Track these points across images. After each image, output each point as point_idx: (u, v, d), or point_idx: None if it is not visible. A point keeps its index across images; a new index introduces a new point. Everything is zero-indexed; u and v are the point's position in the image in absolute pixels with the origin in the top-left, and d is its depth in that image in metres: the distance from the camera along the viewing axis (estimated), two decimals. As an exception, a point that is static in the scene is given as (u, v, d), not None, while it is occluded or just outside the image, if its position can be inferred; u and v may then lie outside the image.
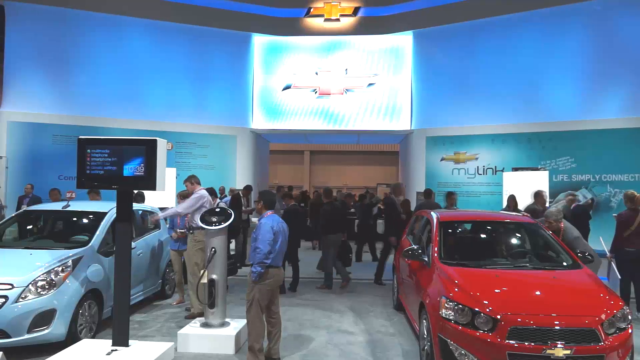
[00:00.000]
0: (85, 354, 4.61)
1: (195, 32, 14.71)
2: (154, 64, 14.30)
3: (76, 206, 6.48)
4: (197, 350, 5.20)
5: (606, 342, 3.96)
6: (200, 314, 6.20)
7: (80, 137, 4.73)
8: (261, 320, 4.79)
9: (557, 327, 3.98)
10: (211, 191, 10.02)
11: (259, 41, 15.83)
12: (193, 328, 5.47)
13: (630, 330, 4.20)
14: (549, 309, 4.18)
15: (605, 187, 12.35)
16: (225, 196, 11.85)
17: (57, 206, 6.56)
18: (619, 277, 6.77)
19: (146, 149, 4.60)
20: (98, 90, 13.72)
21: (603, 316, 4.09)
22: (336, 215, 8.87)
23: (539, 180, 10.97)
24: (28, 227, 6.58)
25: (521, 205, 9.94)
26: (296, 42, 15.85)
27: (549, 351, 3.87)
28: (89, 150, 4.63)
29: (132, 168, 4.59)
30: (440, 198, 13.62)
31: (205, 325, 5.49)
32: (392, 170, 26.01)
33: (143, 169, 4.58)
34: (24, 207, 8.86)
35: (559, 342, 3.90)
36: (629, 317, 4.27)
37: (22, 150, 13.09)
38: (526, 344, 3.93)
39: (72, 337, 5.03)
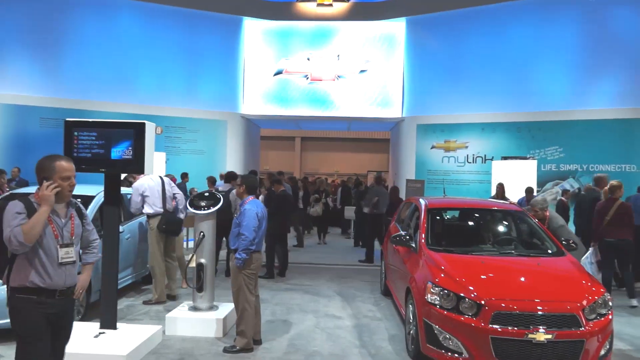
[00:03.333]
0: (73, 337, 4.61)
1: (186, 15, 14.51)
2: (144, 46, 14.11)
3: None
4: (185, 333, 5.24)
5: (587, 327, 4.05)
6: (159, 302, 6.29)
7: (67, 119, 4.68)
8: (251, 305, 4.83)
9: (539, 313, 4.06)
10: (212, 180, 10.10)
11: (250, 25, 15.67)
12: (181, 311, 5.50)
13: (610, 317, 4.29)
14: (532, 295, 4.27)
15: (592, 176, 12.47)
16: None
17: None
18: (592, 261, 6.86)
19: (134, 132, 4.57)
20: (86, 73, 13.52)
21: (584, 302, 4.18)
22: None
23: (528, 170, 11.09)
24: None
25: (508, 194, 10.07)
26: (288, 27, 15.71)
27: (531, 335, 3.96)
28: (76, 133, 4.59)
29: (120, 151, 4.57)
30: (429, 186, 13.73)
31: (193, 308, 5.52)
32: (383, 158, 26.08)
33: (131, 152, 4.56)
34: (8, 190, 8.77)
35: (541, 327, 3.98)
36: (610, 304, 4.36)
37: (8, 133, 12.92)
38: (509, 328, 4.01)
39: (59, 320, 5.02)
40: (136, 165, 4.60)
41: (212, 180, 10.60)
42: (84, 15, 13.60)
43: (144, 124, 4.60)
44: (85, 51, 13.53)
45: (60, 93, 13.32)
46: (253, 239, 4.71)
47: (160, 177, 6.75)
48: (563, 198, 10.69)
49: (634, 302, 6.90)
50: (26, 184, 10.02)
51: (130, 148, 4.56)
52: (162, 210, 6.51)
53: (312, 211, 12.50)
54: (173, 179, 7.50)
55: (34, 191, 2.98)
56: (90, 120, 4.72)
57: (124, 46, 13.87)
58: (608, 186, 7.13)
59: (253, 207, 4.80)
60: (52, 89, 13.28)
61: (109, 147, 4.57)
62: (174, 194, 6.78)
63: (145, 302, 6.43)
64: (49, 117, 13.04)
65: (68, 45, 13.47)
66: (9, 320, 4.58)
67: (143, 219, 7.30)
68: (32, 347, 2.85)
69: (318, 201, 12.53)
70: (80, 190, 6.39)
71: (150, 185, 6.58)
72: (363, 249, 11.72)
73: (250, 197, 4.93)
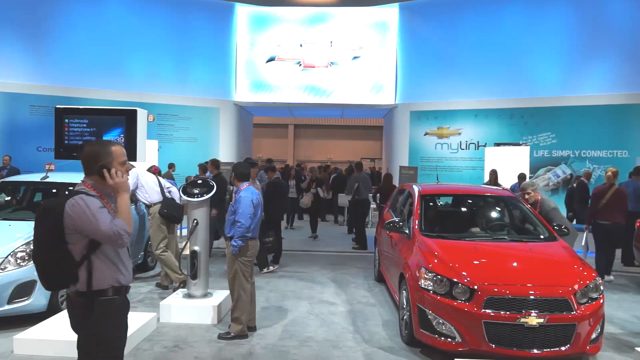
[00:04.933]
0: (66, 325, 4.60)
1: (177, 1, 14.33)
2: (135, 32, 13.94)
3: (55, 177, 6.38)
4: (180, 320, 5.24)
5: (578, 311, 4.10)
6: (184, 282, 6.25)
7: (57, 106, 4.63)
8: (246, 292, 4.83)
9: (531, 297, 4.10)
10: (203, 168, 9.97)
11: (243, 11, 15.51)
12: (175, 299, 5.50)
13: (601, 301, 4.34)
14: (524, 280, 4.31)
15: (584, 162, 12.57)
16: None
17: (35, 177, 6.46)
18: (588, 250, 7.14)
19: (126, 119, 4.54)
20: (76, 60, 13.35)
21: (576, 286, 4.22)
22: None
23: (520, 156, 11.13)
24: (6, 199, 6.47)
25: (501, 180, 10.12)
26: (281, 13, 15.57)
27: (523, 320, 4.00)
28: (66, 120, 4.55)
29: (112, 138, 4.53)
30: (423, 173, 13.76)
31: (187, 296, 5.52)
32: (376, 145, 26.09)
33: (123, 139, 4.53)
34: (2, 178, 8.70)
35: (533, 311, 4.02)
36: (601, 288, 4.41)
37: (-2, 121, 12.79)
38: (502, 313, 4.05)
39: (53, 308, 5.01)
40: (128, 153, 4.55)
41: (203, 168, 10.48)
42: (73, 2, 13.38)
43: (135, 110, 4.56)
44: (75, 38, 13.35)
45: (50, 80, 13.16)
46: (249, 226, 4.70)
47: (155, 177, 6.79)
48: (583, 179, 10.73)
49: (610, 277, 7.40)
50: (17, 172, 9.94)
51: (122, 135, 4.53)
52: (161, 198, 6.51)
53: (301, 203, 11.72)
54: (155, 169, 7.49)
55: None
56: (81, 107, 4.68)
57: (115, 33, 13.70)
58: (610, 172, 7.41)
59: (248, 194, 4.78)
60: (42, 76, 13.12)
61: (100, 134, 4.54)
62: (167, 187, 6.78)
63: (174, 289, 6.35)
64: (39, 105, 12.89)
65: (58, 31, 13.28)
66: (5, 307, 4.67)
67: (139, 206, 7.29)
68: (119, 357, 2.62)
69: (308, 191, 11.74)
70: (74, 178, 6.38)
71: (144, 175, 6.58)
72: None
73: (245, 184, 4.91)
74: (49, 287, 2.62)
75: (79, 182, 2.61)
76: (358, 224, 10.42)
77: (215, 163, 8.78)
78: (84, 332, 2.58)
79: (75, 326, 2.62)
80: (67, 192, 2.55)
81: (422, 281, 4.45)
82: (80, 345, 2.60)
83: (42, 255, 2.49)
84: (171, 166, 13.20)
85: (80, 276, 2.50)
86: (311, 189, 11.67)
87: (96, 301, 2.54)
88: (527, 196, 6.00)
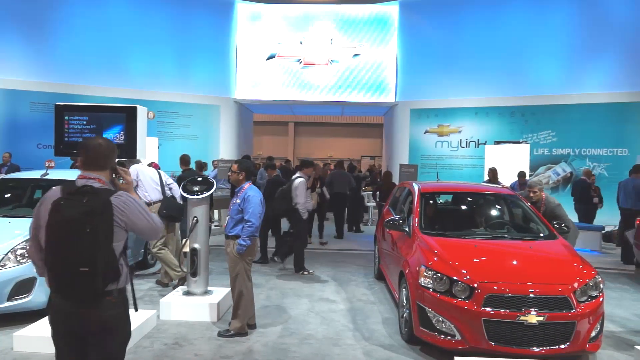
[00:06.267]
0: (66, 322, 4.61)
1: (177, -2, 14.32)
2: (135, 30, 13.90)
3: (55, 175, 6.37)
4: (180, 318, 5.24)
5: (578, 309, 4.10)
6: (183, 279, 6.25)
7: (57, 103, 4.63)
8: (248, 290, 4.84)
9: (531, 295, 4.10)
10: (199, 165, 9.90)
11: (243, 8, 15.48)
12: (175, 296, 5.50)
13: (601, 299, 4.34)
14: (524, 278, 4.31)
15: (585, 161, 12.55)
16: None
17: (35, 174, 6.46)
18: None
19: (126, 116, 4.54)
20: (77, 57, 13.31)
21: (576, 284, 4.22)
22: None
23: (520, 154, 11.13)
24: (6, 196, 6.46)
25: (501, 178, 10.12)
26: (281, 10, 15.53)
27: (522, 317, 4.00)
28: (66, 117, 4.55)
29: (112, 135, 4.53)
30: (423, 171, 13.76)
31: (187, 293, 5.52)
32: (377, 143, 26.06)
33: (123, 137, 4.53)
34: (2, 175, 8.69)
35: (533, 309, 4.02)
36: (601, 286, 4.41)
37: (-2, 118, 12.76)
38: (501, 311, 4.05)
39: (53, 305, 5.01)
40: (128, 150, 4.57)
41: (199, 165, 10.34)
42: (73, -2, 13.36)
43: (135, 108, 4.56)
44: (75, 35, 13.32)
45: (51, 77, 13.13)
46: (258, 226, 4.72)
47: (157, 171, 6.77)
48: (584, 178, 10.71)
49: None
50: (17, 169, 9.93)
51: (122, 132, 4.53)
52: (162, 197, 6.50)
53: None
54: (155, 166, 7.45)
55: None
56: (81, 104, 4.68)
57: (115, 30, 13.67)
58: None
59: (257, 194, 4.78)
60: (42, 73, 13.09)
61: (100, 131, 4.54)
62: (168, 184, 6.77)
63: (174, 287, 6.37)
64: (39, 102, 12.87)
65: (58, 28, 13.25)
66: (5, 305, 4.67)
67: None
68: None
69: (312, 191, 9.82)
70: (71, 175, 6.37)
71: (144, 172, 6.55)
72: (357, 233, 11.80)
73: (249, 183, 4.91)
74: (101, 288, 2.37)
75: (91, 178, 2.47)
76: (348, 216, 11.24)
77: (183, 159, 8.81)
78: (112, 337, 2.48)
79: (100, 332, 2.45)
80: (84, 190, 2.40)
81: (422, 279, 4.45)
82: (100, 353, 2.46)
83: (98, 256, 2.32)
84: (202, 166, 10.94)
85: (122, 273, 2.47)
86: (316, 188, 10.25)
87: (126, 299, 2.54)
88: (532, 194, 5.98)
